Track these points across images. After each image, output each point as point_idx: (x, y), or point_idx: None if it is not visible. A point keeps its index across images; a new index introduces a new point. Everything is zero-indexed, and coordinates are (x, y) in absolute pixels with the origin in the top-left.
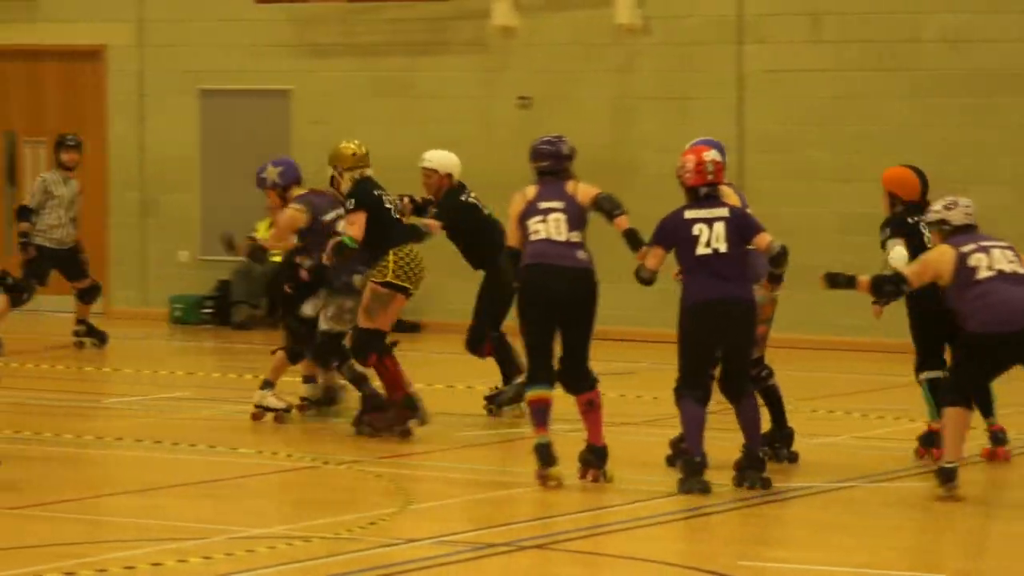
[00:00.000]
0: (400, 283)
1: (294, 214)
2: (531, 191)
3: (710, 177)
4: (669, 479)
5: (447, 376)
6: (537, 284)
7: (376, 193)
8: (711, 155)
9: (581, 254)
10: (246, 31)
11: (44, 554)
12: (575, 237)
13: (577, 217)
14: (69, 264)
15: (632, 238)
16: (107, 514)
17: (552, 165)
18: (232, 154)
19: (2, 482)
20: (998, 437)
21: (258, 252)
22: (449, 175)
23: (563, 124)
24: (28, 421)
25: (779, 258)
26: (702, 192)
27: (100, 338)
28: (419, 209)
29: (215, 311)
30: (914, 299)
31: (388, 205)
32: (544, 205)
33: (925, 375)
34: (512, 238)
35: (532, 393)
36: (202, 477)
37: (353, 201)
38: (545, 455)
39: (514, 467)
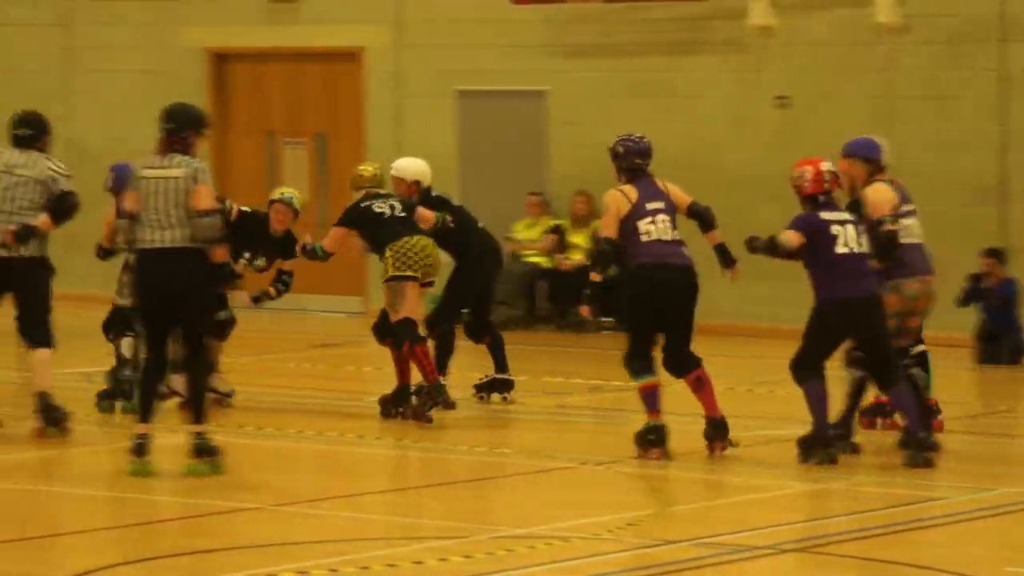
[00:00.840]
0: (401, 273)
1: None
2: (632, 192)
3: (826, 186)
4: (935, 483)
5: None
6: (656, 282)
7: (364, 205)
8: (827, 166)
9: (685, 251)
10: (503, 32)
11: (309, 551)
12: (677, 235)
13: (675, 215)
14: None
15: (723, 252)
16: (369, 512)
17: (645, 163)
18: (488, 155)
19: (266, 481)
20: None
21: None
22: (417, 182)
23: (822, 124)
24: (291, 419)
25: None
26: (820, 199)
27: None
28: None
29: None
30: None
31: (379, 210)
32: (650, 206)
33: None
34: (610, 230)
35: (645, 381)
36: (463, 476)
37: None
38: (660, 435)
39: (771, 469)
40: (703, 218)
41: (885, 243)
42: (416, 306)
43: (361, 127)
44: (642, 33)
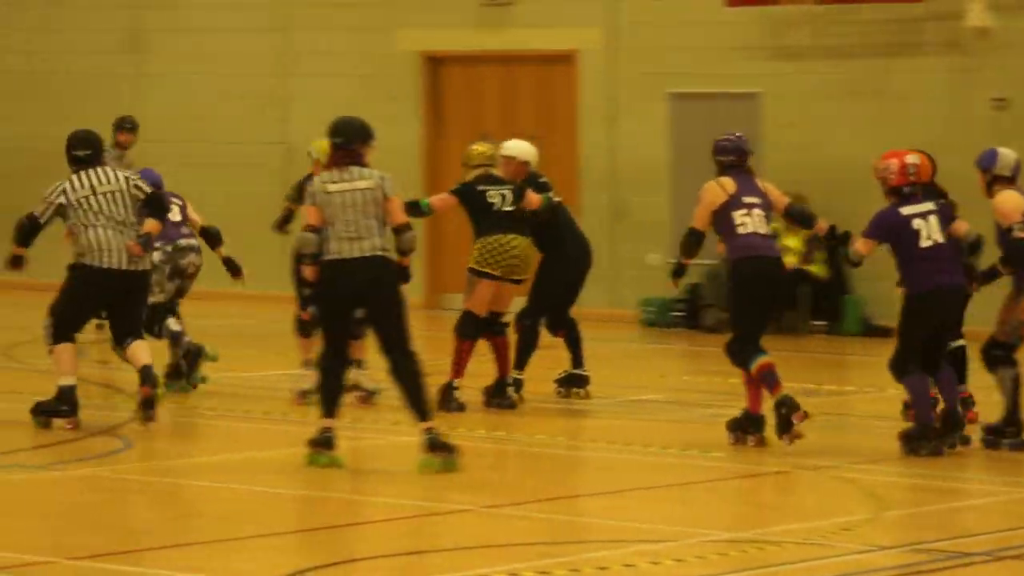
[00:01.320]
0: (480, 268)
1: None
2: (729, 184)
3: (911, 178)
4: None
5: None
6: (757, 273)
7: (479, 189)
8: (912, 159)
9: (777, 244)
10: (716, 34)
11: (519, 553)
12: (770, 230)
13: (770, 212)
14: None
15: (833, 233)
16: (580, 515)
17: (737, 160)
18: (702, 157)
19: (477, 481)
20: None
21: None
22: (527, 163)
23: None
24: (503, 421)
25: (974, 246)
26: (906, 191)
27: None
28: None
29: (686, 314)
30: None
31: (491, 200)
32: (747, 200)
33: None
34: (700, 222)
35: (760, 362)
36: (674, 480)
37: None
38: (793, 404)
39: (980, 474)
40: (802, 218)
41: (1015, 251)
42: (483, 302)
43: (574, 130)
44: (856, 35)
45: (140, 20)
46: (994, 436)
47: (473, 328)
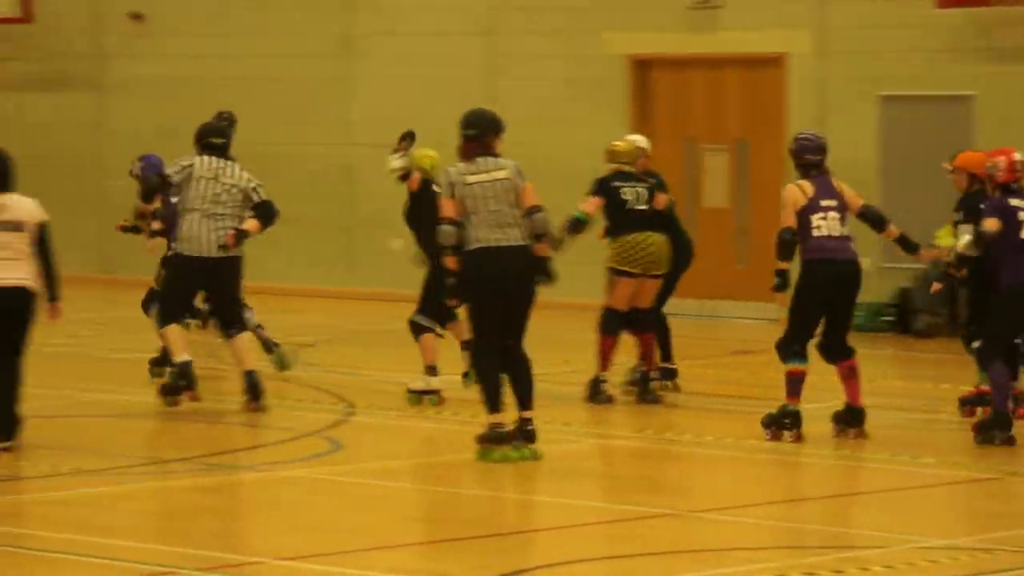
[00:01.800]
0: (619, 267)
1: None
2: (808, 188)
3: (1018, 175)
4: None
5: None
6: (824, 276)
7: (615, 185)
8: (1019, 156)
9: (852, 246)
10: (927, 36)
11: (725, 558)
12: (846, 232)
13: (845, 214)
14: None
15: (905, 242)
16: (783, 519)
17: (822, 160)
18: (912, 160)
19: (664, 483)
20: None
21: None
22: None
23: None
24: (669, 421)
25: None
26: (1014, 187)
27: None
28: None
29: (895, 319)
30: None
31: (626, 197)
32: (824, 203)
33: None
34: (790, 221)
35: (795, 366)
36: (884, 486)
37: (591, 187)
38: (796, 420)
39: None
40: (875, 219)
41: None
42: (623, 299)
43: (782, 133)
44: None
45: (351, 24)
46: None
47: (615, 324)
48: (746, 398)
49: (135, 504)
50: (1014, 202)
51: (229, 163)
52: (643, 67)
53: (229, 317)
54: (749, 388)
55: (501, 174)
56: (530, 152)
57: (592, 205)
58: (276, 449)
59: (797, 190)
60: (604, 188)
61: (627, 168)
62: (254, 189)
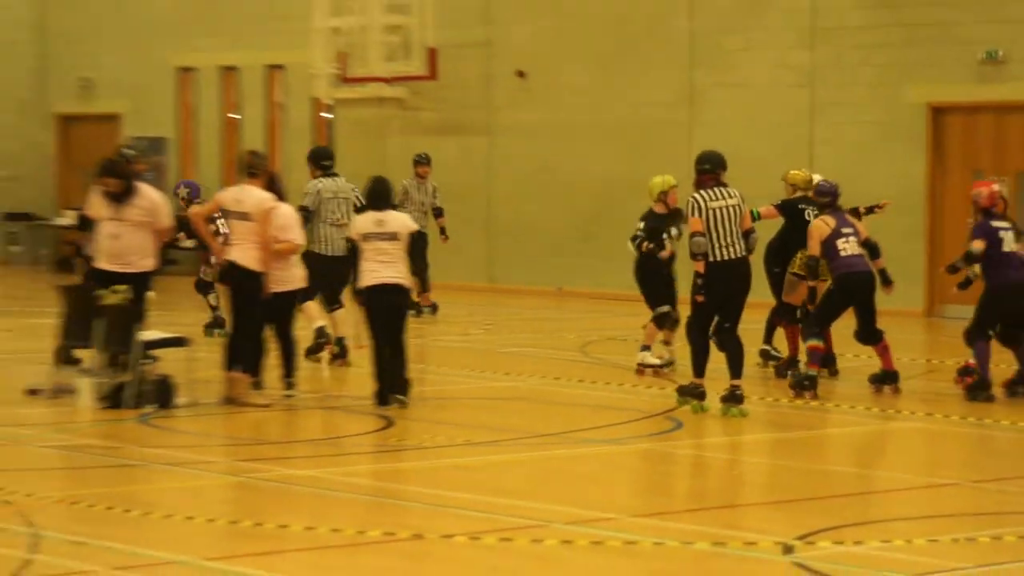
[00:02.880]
0: (799, 272)
1: None
2: (831, 221)
3: (997, 202)
4: None
5: None
6: (853, 281)
7: (801, 207)
8: (996, 187)
9: (866, 261)
10: None
11: (995, 520)
12: (861, 251)
13: (859, 238)
14: None
15: (883, 275)
16: None
17: (833, 200)
18: None
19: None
20: None
21: None
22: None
23: None
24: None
25: None
26: (994, 211)
27: None
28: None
29: None
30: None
31: (807, 218)
32: (844, 231)
33: None
34: (815, 251)
35: (815, 343)
36: None
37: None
38: (814, 382)
39: None
40: (872, 249)
41: None
42: (800, 298)
43: None
44: None
45: (695, 78)
46: None
47: (790, 314)
48: None
49: (520, 469)
50: (995, 223)
51: (338, 179)
52: (939, 113)
53: (335, 296)
54: None
55: (732, 201)
56: (845, 184)
57: (766, 211)
58: (627, 427)
59: (823, 224)
60: (788, 205)
61: (808, 195)
62: (356, 196)
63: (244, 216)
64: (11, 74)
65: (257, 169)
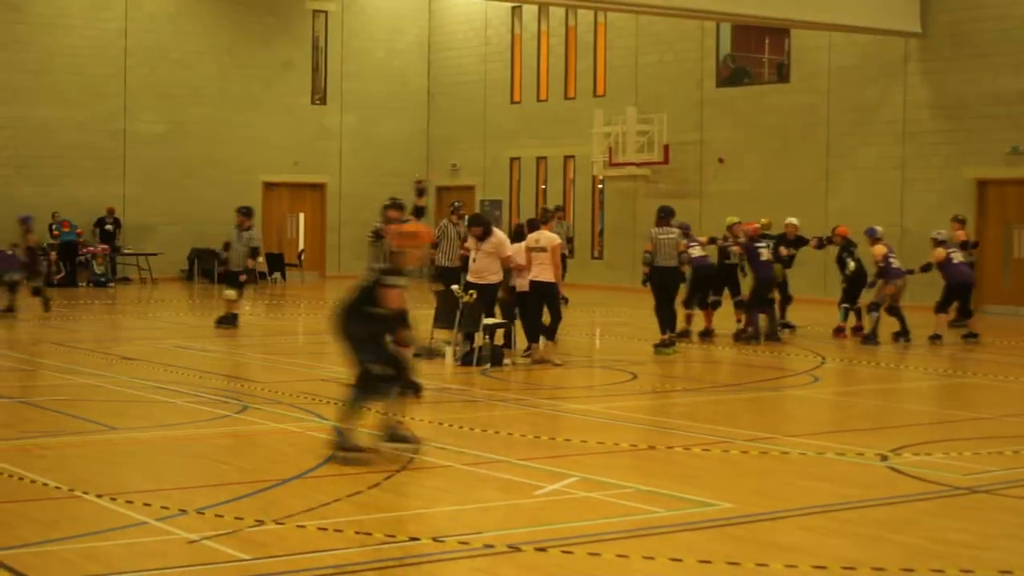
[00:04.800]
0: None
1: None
2: (883, 248)
3: (958, 234)
4: None
5: None
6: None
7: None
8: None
9: (903, 269)
10: None
11: None
12: (902, 267)
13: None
14: None
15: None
16: None
17: (881, 236)
18: None
19: None
20: None
21: None
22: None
23: None
24: None
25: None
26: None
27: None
28: None
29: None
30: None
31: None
32: (892, 255)
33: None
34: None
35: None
36: None
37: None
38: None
39: None
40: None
41: None
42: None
43: None
44: None
45: (829, 164)
46: None
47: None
48: None
49: (704, 407)
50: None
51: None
52: (983, 185)
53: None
54: None
55: (673, 235)
56: (923, 231)
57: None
58: (784, 380)
59: (883, 247)
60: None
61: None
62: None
63: (542, 249)
64: (407, 163)
65: (545, 220)
